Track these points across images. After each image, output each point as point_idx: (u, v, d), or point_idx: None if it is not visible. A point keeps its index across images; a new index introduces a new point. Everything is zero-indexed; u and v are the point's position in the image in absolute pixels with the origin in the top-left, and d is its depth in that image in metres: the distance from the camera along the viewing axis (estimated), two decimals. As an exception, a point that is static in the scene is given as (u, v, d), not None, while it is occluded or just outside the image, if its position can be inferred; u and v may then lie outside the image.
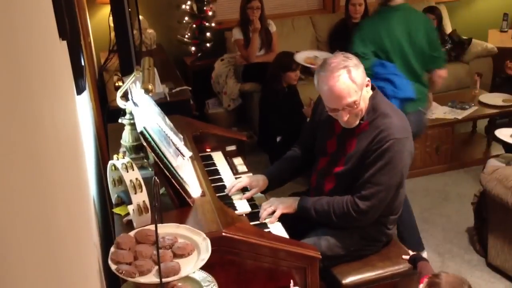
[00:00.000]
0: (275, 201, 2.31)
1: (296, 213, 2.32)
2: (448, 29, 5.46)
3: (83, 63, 1.93)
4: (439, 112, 4.42)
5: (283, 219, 2.34)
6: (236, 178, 2.54)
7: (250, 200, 2.39)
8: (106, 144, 2.70)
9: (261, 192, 2.48)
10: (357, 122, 2.21)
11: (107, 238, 2.22)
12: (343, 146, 2.28)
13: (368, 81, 2.20)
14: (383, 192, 2.18)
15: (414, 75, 3.28)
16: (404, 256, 2.27)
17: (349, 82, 2.11)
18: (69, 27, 1.55)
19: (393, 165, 2.16)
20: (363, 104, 2.18)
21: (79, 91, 1.80)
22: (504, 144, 3.80)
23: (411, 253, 2.27)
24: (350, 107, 2.14)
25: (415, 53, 3.26)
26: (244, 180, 2.44)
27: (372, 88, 2.27)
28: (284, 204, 2.30)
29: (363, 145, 2.20)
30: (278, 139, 4.28)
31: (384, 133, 2.15)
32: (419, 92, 3.26)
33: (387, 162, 2.15)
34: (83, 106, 2.30)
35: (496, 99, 4.56)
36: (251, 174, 2.58)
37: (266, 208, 2.27)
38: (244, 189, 2.42)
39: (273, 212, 2.27)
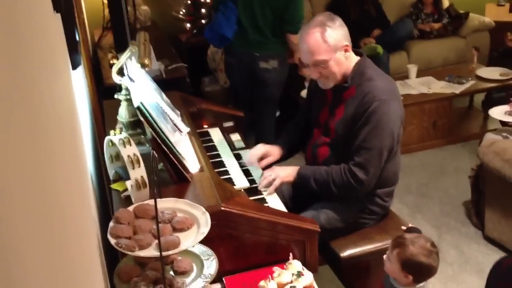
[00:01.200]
0: (275, 169, 2.32)
1: (296, 182, 2.33)
2: (445, 3, 5.41)
3: (77, 38, 1.90)
4: (436, 86, 4.42)
5: (282, 194, 2.35)
6: (234, 154, 2.54)
7: (248, 175, 2.39)
8: (102, 120, 2.68)
9: (275, 163, 2.52)
10: (331, 84, 2.26)
11: (105, 214, 2.21)
12: (333, 114, 2.30)
13: (347, 46, 2.19)
14: (376, 156, 2.19)
15: (255, 24, 3.56)
16: (402, 227, 2.29)
17: (320, 40, 2.15)
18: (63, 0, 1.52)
19: (382, 127, 2.16)
20: (337, 68, 2.20)
21: (74, 66, 1.78)
22: (500, 120, 3.80)
23: (410, 225, 2.28)
24: (318, 66, 2.19)
25: (262, 6, 3.49)
26: (261, 148, 2.47)
27: (360, 54, 2.28)
28: (284, 173, 2.30)
29: (351, 110, 2.22)
30: (277, 113, 4.28)
31: (369, 95, 2.17)
32: (268, 41, 3.58)
33: (375, 125, 2.15)
34: (78, 82, 2.28)
35: (493, 73, 4.55)
36: (248, 150, 2.58)
37: (266, 177, 2.28)
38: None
39: (273, 180, 2.28)
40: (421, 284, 1.91)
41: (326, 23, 2.17)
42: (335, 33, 2.16)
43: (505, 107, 3.74)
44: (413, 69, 4.60)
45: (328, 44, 2.16)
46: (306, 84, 4.39)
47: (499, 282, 1.49)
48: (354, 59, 2.26)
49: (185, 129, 2.21)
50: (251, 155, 2.46)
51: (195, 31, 5.10)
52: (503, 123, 3.78)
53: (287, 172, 2.31)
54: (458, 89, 4.36)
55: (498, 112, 3.74)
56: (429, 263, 1.86)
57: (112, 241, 1.48)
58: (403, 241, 1.89)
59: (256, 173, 2.42)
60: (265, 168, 2.44)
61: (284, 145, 2.56)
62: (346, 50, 2.20)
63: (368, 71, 2.24)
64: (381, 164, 2.22)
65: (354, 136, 2.20)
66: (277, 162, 2.57)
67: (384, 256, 1.94)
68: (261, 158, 2.48)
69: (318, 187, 2.28)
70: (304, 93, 4.28)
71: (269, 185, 2.27)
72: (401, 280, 1.90)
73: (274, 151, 2.51)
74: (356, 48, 2.34)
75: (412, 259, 1.85)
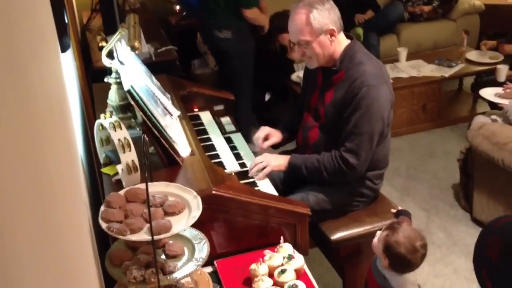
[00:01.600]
0: (267, 157, 2.33)
1: (287, 171, 2.34)
2: (436, -14, 5.40)
3: (66, 21, 1.88)
4: (426, 70, 4.42)
5: (272, 177, 2.36)
6: (224, 137, 2.54)
7: (239, 159, 2.39)
8: (91, 104, 2.66)
9: (276, 146, 2.60)
10: (315, 65, 2.29)
11: (96, 198, 2.21)
12: (323, 97, 2.31)
13: (333, 30, 2.19)
14: (367, 141, 2.20)
15: None
16: (392, 210, 2.31)
17: (304, 21, 2.18)
18: (51, -19, 1.50)
19: (372, 113, 2.17)
20: (320, 50, 2.22)
21: (64, 48, 1.76)
22: (490, 102, 3.83)
23: (399, 208, 2.30)
24: (302, 46, 2.23)
25: None
26: (265, 129, 2.53)
27: (350, 38, 2.29)
28: (275, 162, 2.32)
29: (340, 94, 2.23)
30: (266, 97, 4.28)
31: (358, 80, 2.17)
32: (222, 12, 3.85)
33: (366, 110, 2.16)
34: (67, 65, 2.26)
35: (482, 56, 4.56)
36: (240, 133, 2.59)
37: (257, 163, 2.29)
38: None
39: (263, 168, 2.29)
40: (399, 274, 1.91)
41: (314, 4, 2.17)
42: (321, 15, 2.17)
43: (496, 89, 3.77)
44: (403, 53, 4.60)
45: (312, 26, 2.17)
46: (296, 66, 4.39)
47: (488, 238, 1.50)
48: (343, 42, 2.26)
49: (176, 112, 2.20)
50: (255, 138, 2.51)
51: (184, 13, 5.05)
52: (492, 106, 3.81)
53: (278, 162, 2.33)
54: (447, 72, 4.37)
55: (488, 93, 3.76)
56: (408, 258, 1.85)
57: (104, 225, 1.48)
58: (397, 227, 1.89)
59: (247, 156, 2.42)
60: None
61: (284, 128, 2.60)
62: (331, 34, 2.20)
63: (357, 55, 2.24)
64: (372, 149, 2.23)
65: (344, 122, 2.21)
66: (281, 145, 2.63)
67: (377, 232, 1.96)
68: (265, 139, 2.52)
69: (310, 174, 2.30)
70: (294, 76, 4.28)
71: (259, 171, 2.28)
72: (382, 260, 1.92)
73: (276, 133, 2.55)
74: (346, 28, 2.34)
75: (394, 246, 1.85)
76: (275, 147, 2.61)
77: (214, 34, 3.92)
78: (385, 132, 2.29)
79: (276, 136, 2.54)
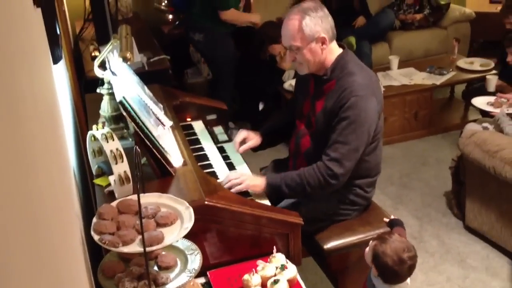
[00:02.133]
0: (243, 176, 2.22)
1: (267, 193, 2.24)
2: (427, -6, 5.45)
3: (58, 32, 1.88)
4: (417, 77, 4.45)
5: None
6: (217, 147, 2.54)
7: (232, 168, 2.39)
8: (84, 114, 2.66)
9: (255, 149, 2.58)
10: (305, 71, 2.30)
11: (88, 209, 2.20)
12: (314, 106, 2.32)
13: (324, 38, 2.20)
14: (352, 151, 2.19)
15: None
16: (384, 219, 2.32)
17: (297, 27, 2.20)
18: (43, -6, 1.50)
19: (359, 123, 2.17)
20: (310, 57, 2.23)
21: (56, 60, 1.76)
22: (481, 110, 3.86)
23: (392, 217, 2.31)
24: (292, 51, 2.25)
25: None
26: (243, 133, 2.53)
27: (342, 47, 2.31)
28: (252, 182, 2.20)
29: (330, 104, 2.23)
30: (260, 107, 4.29)
31: (347, 91, 2.18)
32: (198, 15, 4.21)
33: (352, 120, 2.16)
34: (60, 76, 2.26)
35: (474, 64, 4.59)
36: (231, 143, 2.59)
37: (231, 179, 2.18)
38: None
39: (238, 184, 2.17)
40: (389, 285, 1.92)
41: (308, 11, 2.19)
42: (313, 23, 2.18)
43: (488, 98, 3.79)
44: (394, 61, 4.63)
45: (303, 32, 2.19)
46: (287, 74, 4.41)
47: None
48: (335, 51, 2.27)
49: (168, 122, 2.20)
50: (234, 142, 2.51)
51: (177, 22, 5.06)
52: (483, 114, 3.83)
53: (254, 182, 2.21)
54: (439, 80, 4.40)
55: (480, 102, 3.79)
56: (395, 269, 1.86)
57: (96, 237, 1.47)
58: (386, 238, 1.91)
59: (240, 166, 2.43)
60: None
61: (267, 131, 2.60)
62: (323, 42, 2.21)
63: (349, 65, 2.25)
64: (356, 159, 2.22)
65: (331, 132, 2.21)
66: (260, 149, 2.61)
67: (371, 241, 1.97)
68: (243, 143, 2.52)
69: (292, 191, 2.23)
70: (287, 85, 4.29)
71: (231, 187, 2.16)
72: (372, 269, 1.94)
73: (254, 136, 2.54)
74: (339, 35, 2.35)
75: (381, 257, 1.88)
76: (254, 150, 2.59)
77: (190, 36, 4.28)
78: (375, 140, 2.29)
79: (254, 139, 2.53)
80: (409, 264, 1.87)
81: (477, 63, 4.58)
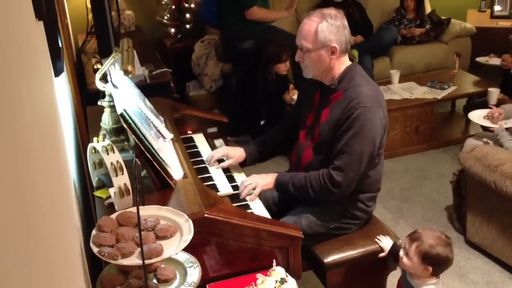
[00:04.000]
0: (255, 178, 2.34)
1: (275, 189, 2.36)
2: (427, 9, 5.48)
3: (60, 45, 1.89)
4: (418, 92, 4.46)
5: (265, 198, 2.36)
6: (218, 160, 2.54)
7: (232, 181, 2.39)
8: (86, 126, 2.67)
9: (240, 165, 2.56)
10: (310, 75, 2.31)
11: (88, 221, 2.20)
12: (319, 117, 2.32)
13: (335, 47, 2.21)
14: (356, 161, 2.20)
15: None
16: (381, 255, 2.33)
17: (312, 29, 2.21)
18: (46, 7, 1.52)
19: (364, 134, 2.18)
20: (318, 62, 2.24)
21: (57, 73, 1.77)
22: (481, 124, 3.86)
23: (385, 241, 2.32)
24: (302, 50, 2.26)
25: None
26: (222, 150, 2.52)
27: (352, 60, 2.32)
28: (263, 181, 2.33)
29: (335, 114, 2.24)
30: (262, 122, 4.30)
31: (354, 101, 2.19)
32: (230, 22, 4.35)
33: (358, 130, 2.17)
34: (61, 88, 2.27)
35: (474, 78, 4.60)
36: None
37: (246, 186, 2.29)
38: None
39: (254, 189, 2.30)
40: (438, 279, 2.03)
41: (327, 17, 2.20)
42: (329, 30, 2.19)
43: (484, 111, 3.79)
44: (395, 75, 4.64)
45: (317, 37, 2.19)
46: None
47: None
48: (345, 63, 2.28)
49: (169, 135, 2.21)
50: (211, 155, 2.49)
51: (179, 36, 5.10)
52: (484, 128, 3.83)
53: (266, 181, 2.34)
54: (440, 94, 4.40)
55: (477, 116, 3.79)
56: (446, 254, 1.99)
57: (95, 249, 1.47)
58: (419, 235, 2.01)
59: (240, 179, 2.43)
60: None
61: (249, 150, 2.57)
62: (332, 52, 2.22)
63: (356, 77, 2.26)
64: (360, 170, 2.24)
65: (336, 141, 2.22)
66: (248, 164, 2.59)
67: (400, 253, 2.00)
68: (222, 160, 2.51)
69: (297, 191, 2.31)
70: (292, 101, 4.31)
71: (249, 194, 2.29)
72: (420, 273, 1.98)
73: (235, 153, 2.52)
74: None
75: (431, 251, 1.97)
76: (241, 165, 2.58)
77: (236, 46, 4.34)
78: (378, 155, 2.30)
79: (235, 156, 2.50)
80: (451, 243, 2.02)
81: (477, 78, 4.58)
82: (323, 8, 2.27)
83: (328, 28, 2.19)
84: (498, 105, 3.97)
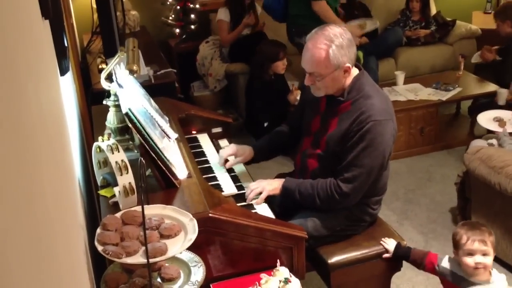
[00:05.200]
0: (262, 182, 2.33)
1: (281, 195, 2.34)
2: (433, 10, 5.47)
3: (66, 44, 1.90)
4: (423, 93, 4.45)
5: (270, 200, 2.36)
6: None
7: (237, 181, 2.39)
8: (91, 126, 2.67)
9: (247, 163, 2.55)
10: (322, 94, 2.28)
11: (93, 220, 2.21)
12: (325, 125, 2.30)
13: (348, 67, 2.19)
14: (364, 174, 2.19)
15: None
16: (385, 255, 2.33)
17: (323, 56, 2.15)
18: (52, 5, 1.52)
19: (375, 147, 2.17)
20: (331, 83, 2.21)
21: (63, 72, 1.78)
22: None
23: (389, 243, 2.31)
24: (314, 76, 2.21)
25: None
26: (231, 148, 2.49)
27: (359, 68, 2.29)
28: (270, 186, 2.31)
29: (345, 125, 2.21)
30: (265, 124, 4.30)
31: (365, 114, 2.16)
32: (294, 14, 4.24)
33: (369, 144, 2.16)
34: (67, 87, 2.28)
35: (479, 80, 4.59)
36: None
37: (253, 189, 2.29)
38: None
39: (260, 193, 2.29)
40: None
41: (334, 40, 2.14)
42: (340, 53, 2.15)
43: (493, 112, 3.78)
44: (400, 76, 4.63)
45: (330, 61, 2.15)
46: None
47: None
48: (352, 74, 2.25)
49: (173, 135, 2.21)
50: (220, 155, 2.48)
51: (184, 36, 5.10)
52: (489, 130, 3.82)
53: (273, 186, 2.32)
54: (445, 96, 4.39)
55: (486, 120, 3.78)
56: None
57: (99, 248, 1.48)
58: (472, 225, 2.20)
59: (244, 179, 2.43)
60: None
61: (257, 148, 2.56)
62: (345, 71, 2.19)
63: (366, 87, 2.23)
64: (369, 182, 2.23)
65: (345, 152, 2.20)
66: (254, 162, 2.58)
67: (471, 260, 2.09)
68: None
69: (303, 199, 2.29)
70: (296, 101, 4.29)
71: (255, 197, 2.28)
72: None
73: (244, 151, 2.51)
74: None
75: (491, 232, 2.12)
76: (247, 163, 2.57)
77: (297, 42, 4.17)
78: (385, 166, 2.29)
79: (244, 154, 2.50)
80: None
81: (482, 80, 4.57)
82: (323, 28, 2.20)
83: (338, 51, 2.15)
84: (506, 105, 3.97)
